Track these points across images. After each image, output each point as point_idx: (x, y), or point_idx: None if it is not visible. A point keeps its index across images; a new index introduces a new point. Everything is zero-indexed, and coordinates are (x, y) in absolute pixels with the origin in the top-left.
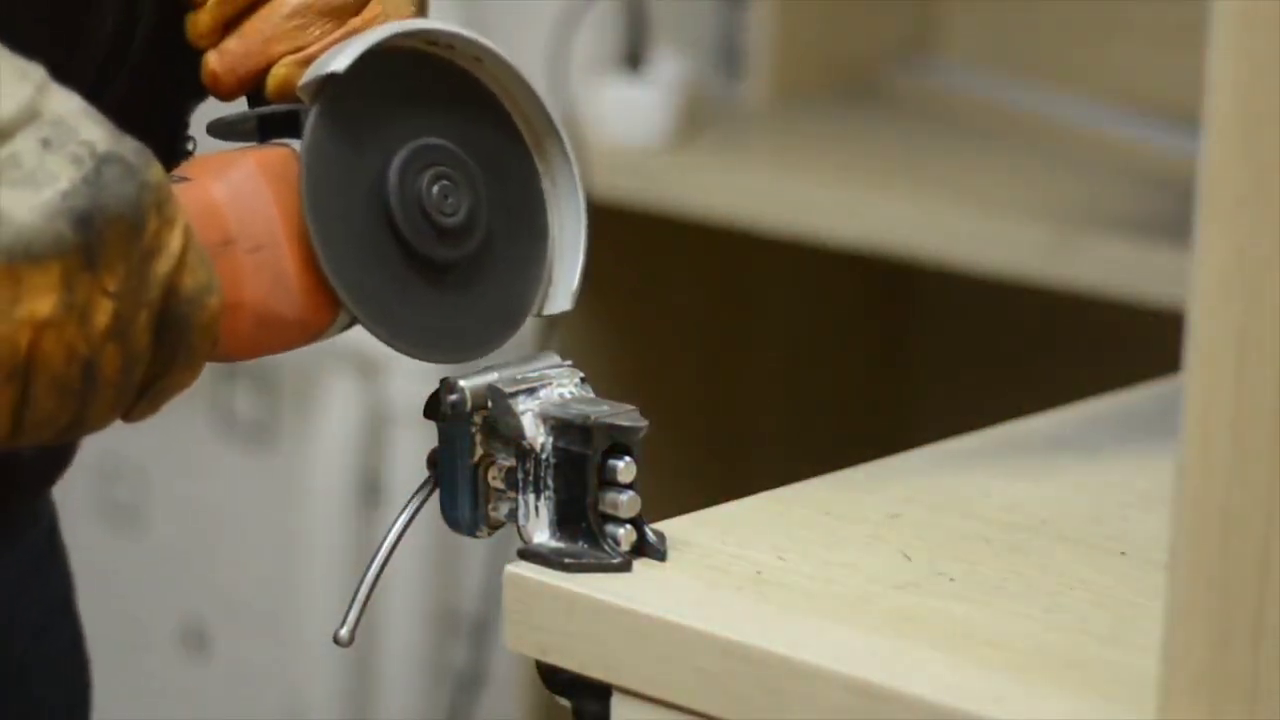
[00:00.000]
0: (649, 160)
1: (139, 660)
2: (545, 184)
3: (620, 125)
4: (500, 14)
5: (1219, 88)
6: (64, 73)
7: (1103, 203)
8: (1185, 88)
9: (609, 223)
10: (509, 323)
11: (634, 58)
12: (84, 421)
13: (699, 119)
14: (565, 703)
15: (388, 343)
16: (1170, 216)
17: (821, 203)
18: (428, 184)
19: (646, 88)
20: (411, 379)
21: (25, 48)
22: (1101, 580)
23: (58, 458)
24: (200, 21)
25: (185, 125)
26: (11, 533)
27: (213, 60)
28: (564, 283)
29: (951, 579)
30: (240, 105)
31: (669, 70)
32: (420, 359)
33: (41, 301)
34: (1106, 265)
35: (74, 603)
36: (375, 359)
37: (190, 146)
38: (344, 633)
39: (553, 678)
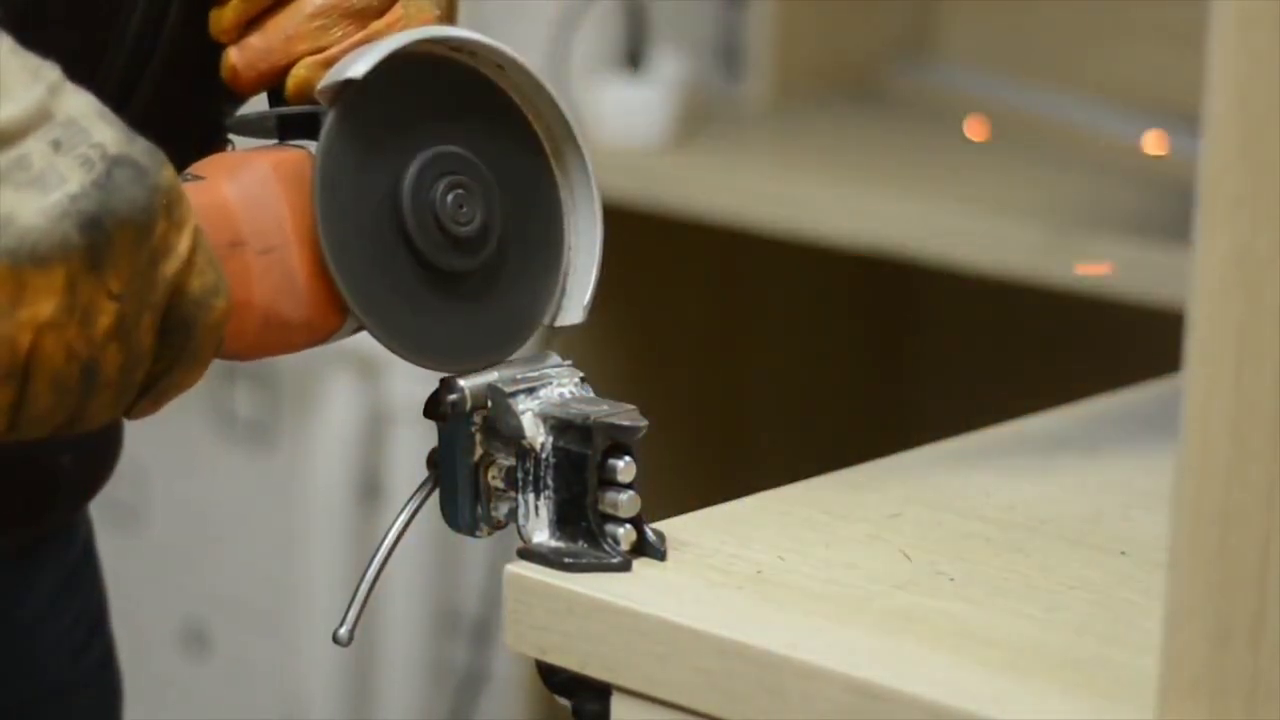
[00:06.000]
0: (649, 160)
1: (139, 660)
2: (563, 194)
3: (620, 125)
4: (500, 14)
5: (1219, 88)
6: (92, 74)
7: (1103, 203)
8: (1185, 87)
9: (608, 223)
10: (518, 334)
11: (634, 58)
12: (81, 419)
13: (699, 119)
14: (565, 702)
15: (395, 351)
16: (1170, 216)
17: (821, 203)
18: (442, 192)
19: (646, 88)
20: (411, 379)
21: (52, 49)
22: (1101, 580)
23: (96, 471)
24: (224, 17)
25: (221, 128)
26: (49, 548)
27: (234, 55)
28: (577, 294)
29: (951, 579)
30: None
31: (669, 70)
32: (426, 368)
33: (44, 304)
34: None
35: (108, 619)
36: (375, 359)
37: (229, 149)
38: (343, 632)
39: (552, 677)
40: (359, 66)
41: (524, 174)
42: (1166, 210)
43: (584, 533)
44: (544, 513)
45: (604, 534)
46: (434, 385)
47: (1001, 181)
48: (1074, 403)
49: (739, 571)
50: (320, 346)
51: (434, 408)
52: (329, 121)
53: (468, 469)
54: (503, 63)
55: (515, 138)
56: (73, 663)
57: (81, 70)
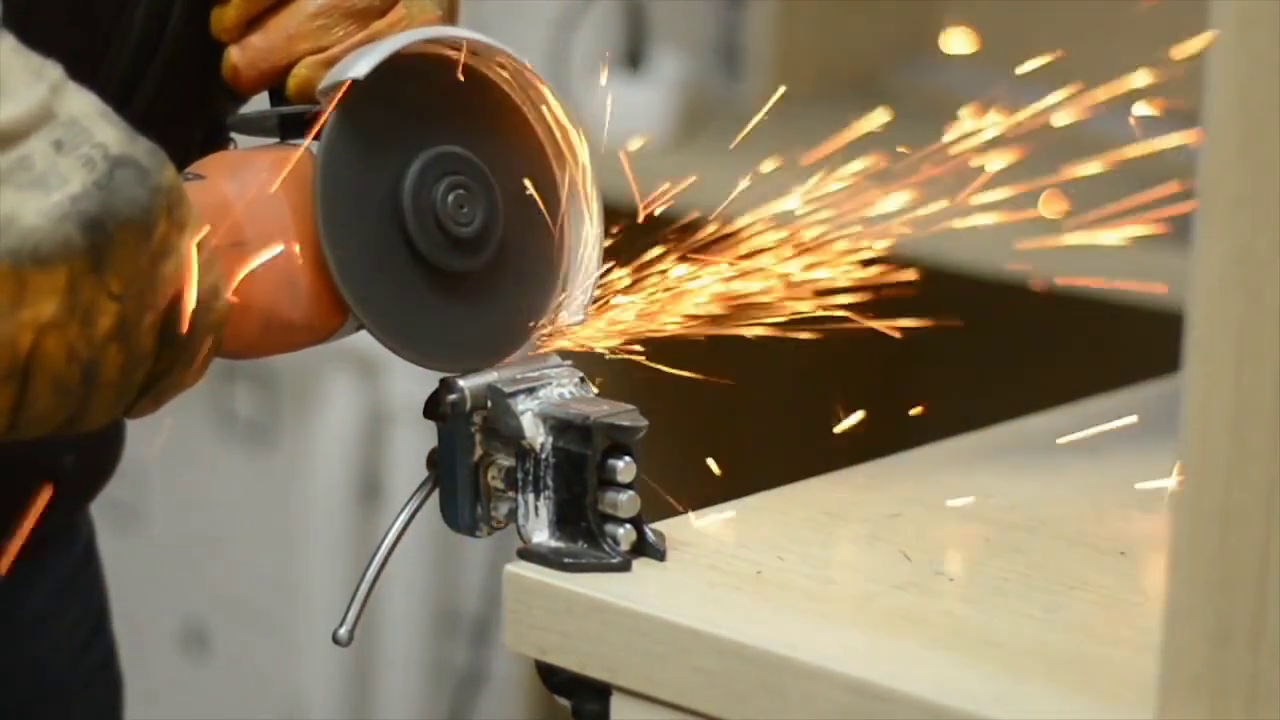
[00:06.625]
0: (649, 160)
1: (139, 660)
2: (564, 194)
3: (620, 125)
4: (500, 14)
5: (1219, 87)
6: (94, 72)
7: (1102, 203)
8: (1185, 88)
9: (608, 223)
10: (518, 334)
11: (634, 58)
12: (82, 419)
13: (699, 119)
14: (565, 702)
15: (395, 351)
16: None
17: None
18: (443, 193)
19: (646, 88)
20: (411, 379)
21: (55, 48)
22: (1101, 580)
23: (97, 472)
24: (226, 16)
25: (223, 127)
26: (50, 548)
27: (235, 54)
28: (577, 294)
29: (951, 579)
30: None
31: (669, 70)
32: (427, 367)
33: (45, 304)
34: (1106, 265)
35: (109, 619)
36: (375, 359)
37: (231, 148)
38: (343, 632)
39: (552, 677)
40: (361, 66)
41: (524, 174)
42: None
43: (584, 533)
44: (544, 513)
45: (604, 534)
46: (434, 385)
47: (1001, 182)
48: (1074, 403)
49: (739, 571)
50: (320, 346)
51: (434, 408)
52: (330, 122)
53: (468, 469)
54: (505, 63)
55: (515, 138)
56: (74, 663)
57: (84, 69)
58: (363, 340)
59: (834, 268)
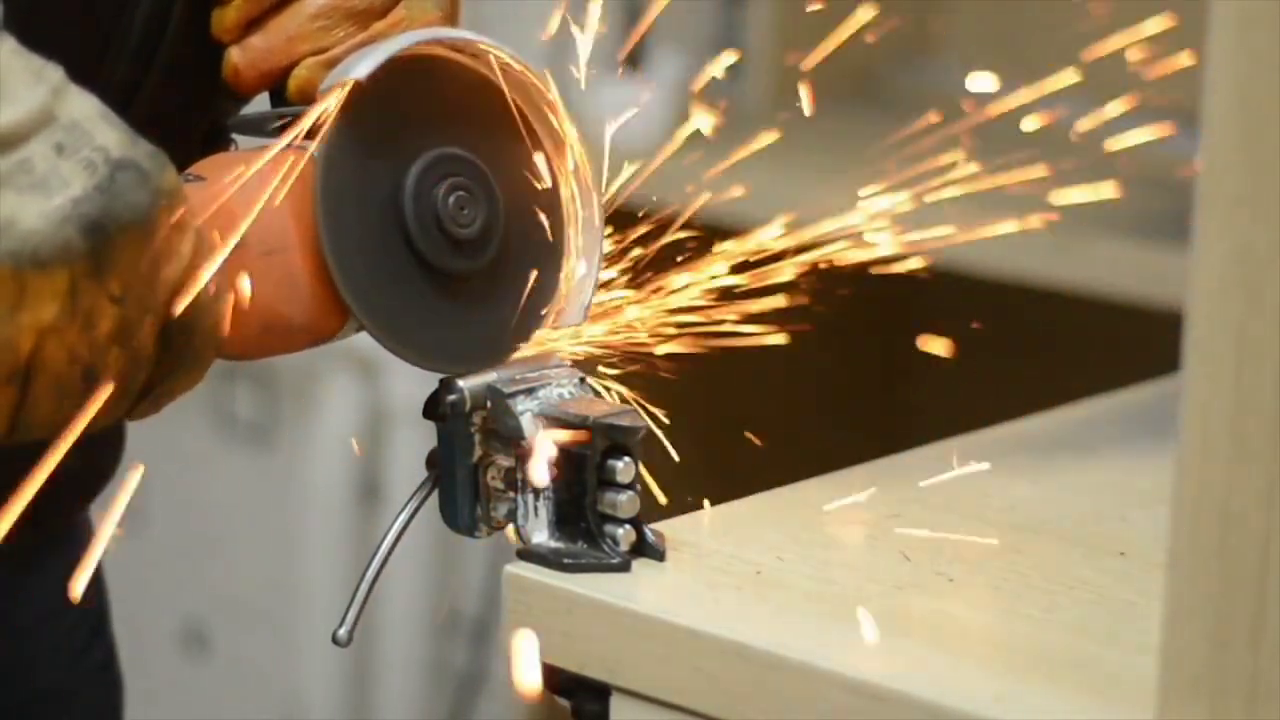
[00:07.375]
0: (648, 161)
1: (139, 660)
2: (563, 195)
3: (620, 126)
4: (500, 14)
5: (1219, 88)
6: (95, 74)
7: (1103, 203)
8: (1185, 88)
9: (608, 224)
10: (518, 336)
11: (634, 58)
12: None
13: (699, 119)
14: (565, 703)
15: (395, 352)
16: (1170, 216)
17: (821, 202)
18: (444, 194)
19: (646, 88)
20: (411, 379)
21: (56, 49)
22: (1101, 580)
23: (98, 473)
24: (226, 17)
25: (224, 127)
26: (50, 550)
27: (235, 55)
28: (577, 296)
29: (951, 579)
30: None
31: (669, 70)
32: (426, 369)
33: (45, 308)
34: (1106, 265)
35: (109, 621)
36: (375, 359)
37: (232, 149)
38: (343, 633)
39: (552, 678)
40: (361, 68)
41: (525, 175)
42: (1166, 210)
43: (583, 533)
44: (543, 513)
45: (603, 534)
46: (434, 385)
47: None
48: (1074, 403)
49: (738, 571)
50: (321, 346)
51: (434, 408)
52: (331, 123)
53: (467, 469)
54: (507, 64)
55: (516, 138)
56: (74, 664)
57: (84, 71)
58: (363, 340)
59: (833, 268)
